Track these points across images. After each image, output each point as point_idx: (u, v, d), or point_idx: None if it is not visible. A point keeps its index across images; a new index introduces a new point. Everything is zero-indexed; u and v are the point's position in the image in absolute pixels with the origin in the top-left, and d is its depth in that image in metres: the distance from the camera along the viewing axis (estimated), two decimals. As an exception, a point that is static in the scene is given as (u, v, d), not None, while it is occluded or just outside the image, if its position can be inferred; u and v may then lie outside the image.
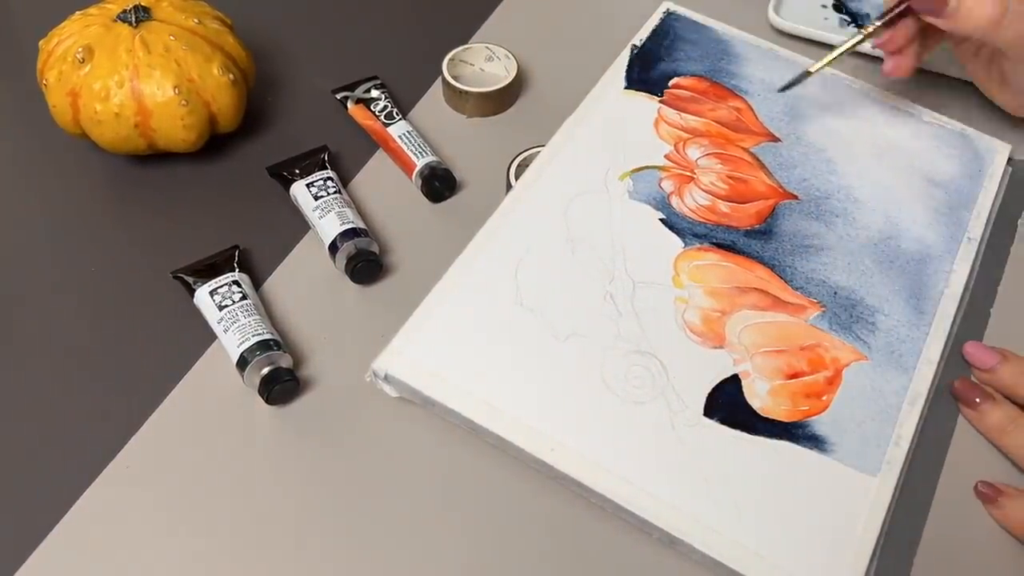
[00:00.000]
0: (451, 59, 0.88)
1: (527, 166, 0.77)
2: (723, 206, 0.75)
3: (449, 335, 0.66)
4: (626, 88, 0.83)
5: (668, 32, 0.88)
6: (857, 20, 0.96)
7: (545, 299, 0.68)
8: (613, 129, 0.80)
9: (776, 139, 0.81)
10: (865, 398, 0.67)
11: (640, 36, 0.87)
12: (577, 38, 0.95)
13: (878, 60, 0.88)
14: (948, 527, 0.64)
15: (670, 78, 0.84)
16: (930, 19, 0.76)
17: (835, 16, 0.97)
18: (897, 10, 0.78)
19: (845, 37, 0.80)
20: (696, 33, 0.89)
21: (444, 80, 0.87)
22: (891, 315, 0.71)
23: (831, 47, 0.81)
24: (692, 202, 0.75)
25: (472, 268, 0.69)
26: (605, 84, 0.83)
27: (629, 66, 0.85)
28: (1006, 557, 0.63)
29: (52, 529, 0.62)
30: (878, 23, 0.78)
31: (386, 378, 0.65)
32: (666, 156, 0.78)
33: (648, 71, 0.84)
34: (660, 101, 0.82)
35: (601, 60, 0.85)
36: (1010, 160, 0.84)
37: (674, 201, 0.75)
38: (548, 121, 0.80)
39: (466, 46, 0.89)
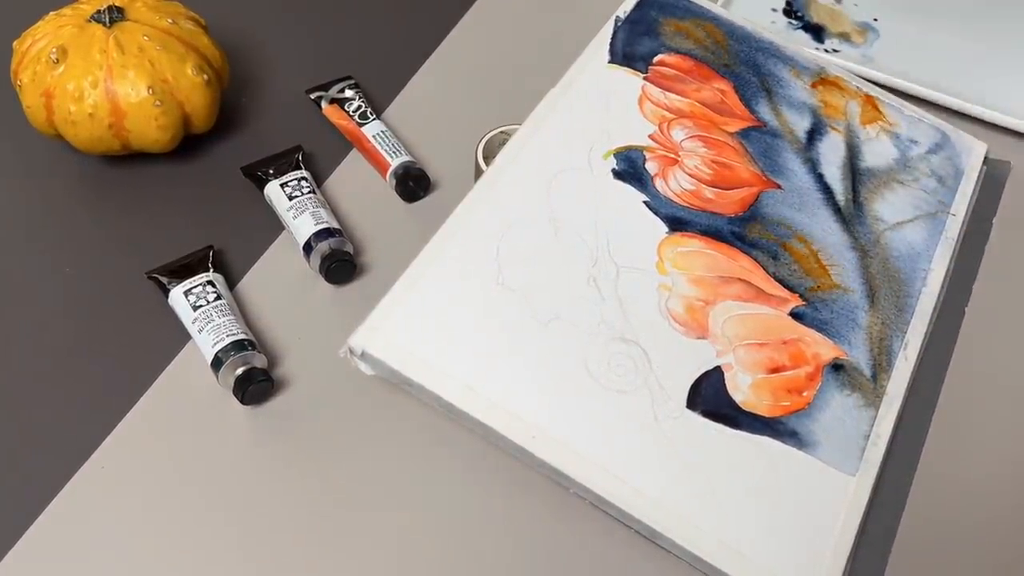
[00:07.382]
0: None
1: (496, 145, 0.75)
2: (708, 192, 0.74)
3: (428, 313, 0.64)
4: (609, 63, 0.80)
5: (652, 5, 0.86)
6: (803, 21, 0.97)
7: (527, 280, 0.66)
8: (597, 105, 0.77)
9: (759, 124, 0.80)
10: (845, 396, 0.66)
11: (624, 8, 0.85)
12: (553, 37, 0.95)
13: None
14: (923, 525, 0.64)
15: (654, 54, 0.82)
16: None
17: (783, 20, 0.98)
18: None
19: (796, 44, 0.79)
20: (681, 8, 0.87)
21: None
22: (871, 312, 0.71)
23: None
24: (677, 186, 0.74)
25: (454, 242, 0.67)
26: (588, 57, 0.80)
27: (612, 39, 0.82)
28: (979, 555, 0.63)
29: (27, 529, 0.62)
30: None
31: (362, 355, 0.62)
32: (650, 136, 0.76)
33: (632, 46, 0.82)
34: (644, 78, 0.80)
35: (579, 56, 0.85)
36: (985, 159, 0.84)
37: (658, 184, 0.74)
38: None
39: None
